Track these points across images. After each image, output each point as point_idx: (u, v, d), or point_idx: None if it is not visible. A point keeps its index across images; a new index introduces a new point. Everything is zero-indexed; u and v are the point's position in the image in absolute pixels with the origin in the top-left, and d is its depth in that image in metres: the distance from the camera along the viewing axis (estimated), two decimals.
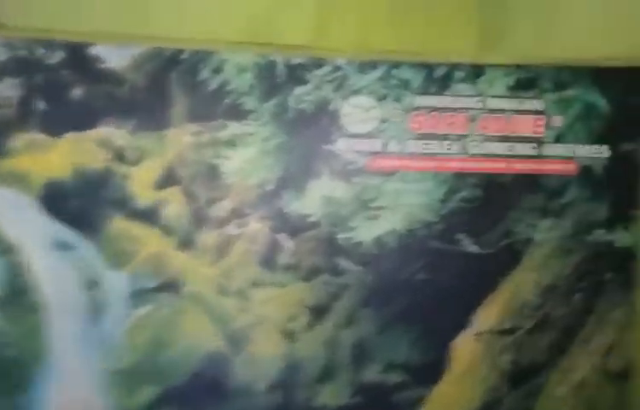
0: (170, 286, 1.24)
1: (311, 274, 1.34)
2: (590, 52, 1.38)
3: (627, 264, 1.40)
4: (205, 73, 1.28)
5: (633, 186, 1.39)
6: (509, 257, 1.37)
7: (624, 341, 1.40)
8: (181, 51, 1.23)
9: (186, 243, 1.25)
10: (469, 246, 1.39)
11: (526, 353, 1.37)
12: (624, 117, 1.36)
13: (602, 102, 1.36)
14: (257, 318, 1.29)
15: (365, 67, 1.32)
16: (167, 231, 1.25)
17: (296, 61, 1.31)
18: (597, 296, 1.39)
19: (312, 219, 1.33)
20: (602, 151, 1.37)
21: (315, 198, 1.33)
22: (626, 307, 1.40)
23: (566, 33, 1.54)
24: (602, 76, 1.34)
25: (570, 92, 1.35)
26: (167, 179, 1.26)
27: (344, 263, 1.35)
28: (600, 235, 1.37)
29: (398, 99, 1.31)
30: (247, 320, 1.29)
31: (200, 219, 1.26)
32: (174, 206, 1.25)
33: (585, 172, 1.37)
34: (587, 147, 1.36)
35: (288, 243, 1.32)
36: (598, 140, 1.36)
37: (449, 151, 1.37)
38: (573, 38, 1.50)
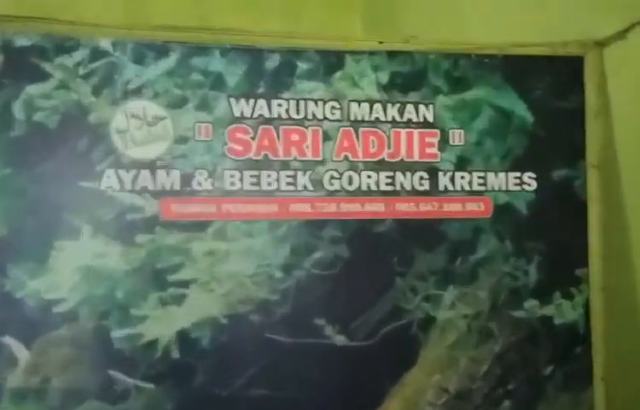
0: None
1: (66, 402, 0.80)
2: (500, 37, 0.97)
3: (574, 349, 0.95)
4: None
5: (577, 232, 0.96)
6: (397, 351, 0.88)
7: None
8: None
9: None
10: (333, 337, 0.88)
11: None
12: (553, 130, 0.94)
13: (520, 109, 0.93)
14: None
15: (145, 52, 0.80)
16: None
17: (22, 42, 0.81)
18: (535, 403, 0.93)
19: (65, 306, 0.80)
20: (527, 182, 0.94)
21: (67, 272, 0.80)
22: None
23: (465, 14, 1.14)
24: (517, 70, 0.90)
25: (473, 93, 0.91)
26: None
27: (123, 379, 0.82)
28: (531, 308, 0.92)
29: (205, 105, 0.83)
30: None
31: None
32: None
33: (503, 214, 0.92)
34: (503, 175, 0.92)
35: (21, 352, 0.79)
36: (519, 166, 0.91)
37: (292, 188, 0.90)
38: (476, 20, 1.09)
